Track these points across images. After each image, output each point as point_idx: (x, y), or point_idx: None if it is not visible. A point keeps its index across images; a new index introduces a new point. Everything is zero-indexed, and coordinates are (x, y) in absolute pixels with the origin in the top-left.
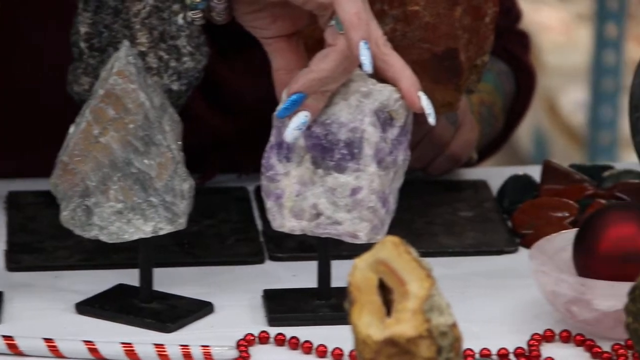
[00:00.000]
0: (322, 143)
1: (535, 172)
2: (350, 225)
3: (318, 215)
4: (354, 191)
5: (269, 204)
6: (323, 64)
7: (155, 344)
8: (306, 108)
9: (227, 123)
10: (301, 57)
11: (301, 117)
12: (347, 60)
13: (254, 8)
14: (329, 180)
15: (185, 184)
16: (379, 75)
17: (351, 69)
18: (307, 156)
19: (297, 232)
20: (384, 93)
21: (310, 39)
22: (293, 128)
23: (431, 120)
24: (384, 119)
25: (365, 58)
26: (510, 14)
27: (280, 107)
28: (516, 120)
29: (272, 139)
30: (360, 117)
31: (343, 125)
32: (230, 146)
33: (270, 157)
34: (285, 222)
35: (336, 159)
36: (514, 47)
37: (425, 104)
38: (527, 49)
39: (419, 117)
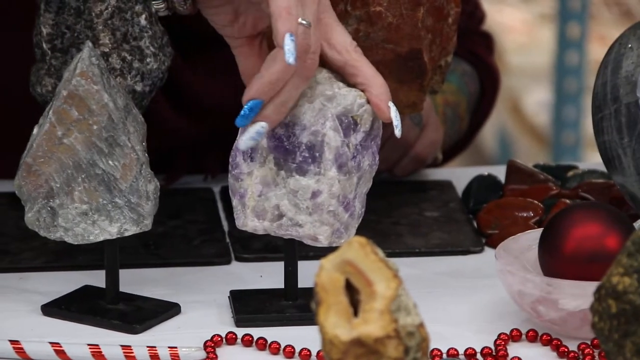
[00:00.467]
0: (285, 145)
1: (500, 172)
2: (311, 228)
3: (280, 216)
4: (315, 194)
5: (234, 202)
6: (272, 67)
7: (122, 346)
8: (265, 119)
9: (191, 126)
10: (264, 57)
11: (257, 127)
12: (298, 56)
13: (216, 3)
14: (291, 182)
15: (151, 185)
16: (349, 81)
17: (305, 70)
18: (270, 157)
19: (260, 232)
20: (348, 98)
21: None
22: (247, 138)
23: (397, 132)
24: (347, 124)
25: (289, 50)
26: (473, 16)
27: (239, 114)
28: (481, 121)
29: (239, 137)
30: (322, 120)
31: (305, 128)
32: (195, 148)
33: (236, 156)
34: (248, 221)
35: (298, 162)
36: (477, 49)
37: (394, 114)
38: (491, 50)
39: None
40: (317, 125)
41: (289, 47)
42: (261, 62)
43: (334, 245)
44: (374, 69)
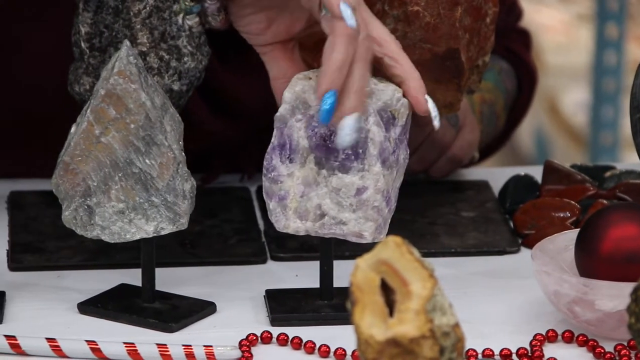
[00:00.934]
0: (327, 144)
1: (536, 172)
2: (356, 225)
3: (322, 215)
4: (359, 191)
5: (272, 205)
6: (332, 55)
7: (158, 344)
8: (353, 110)
9: (228, 127)
10: (297, 64)
11: (353, 119)
12: (353, 39)
13: (250, 11)
14: (334, 180)
15: (187, 184)
16: (386, 72)
17: (363, 52)
18: (310, 157)
19: (302, 233)
20: (386, 92)
21: (308, 40)
22: (347, 133)
23: (436, 123)
24: (387, 119)
25: (347, 15)
26: (511, 13)
27: (320, 111)
28: (518, 119)
29: (274, 140)
30: (364, 117)
31: None
32: (232, 148)
33: (272, 159)
34: (290, 223)
35: (340, 159)
36: (515, 46)
37: (432, 106)
38: (529, 47)
39: (420, 119)
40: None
41: (346, 12)
42: (293, 65)
43: (376, 240)
44: (410, 62)
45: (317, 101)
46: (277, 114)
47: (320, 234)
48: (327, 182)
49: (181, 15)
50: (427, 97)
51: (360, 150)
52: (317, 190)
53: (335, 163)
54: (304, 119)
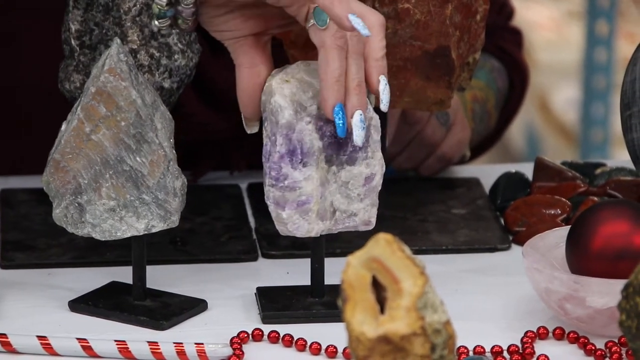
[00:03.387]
0: (338, 140)
1: (527, 169)
2: (365, 214)
3: (334, 212)
4: (368, 179)
5: (286, 213)
6: (327, 68)
7: (149, 342)
8: (356, 108)
9: (219, 120)
10: (266, 55)
11: (357, 118)
12: (343, 51)
13: (224, 11)
14: (343, 174)
15: (178, 182)
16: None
17: (357, 46)
18: (322, 156)
19: (320, 234)
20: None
21: (299, 38)
22: (360, 130)
23: (383, 107)
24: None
25: (360, 25)
26: (503, 11)
27: (336, 127)
28: (509, 117)
29: (280, 148)
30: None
31: None
32: (222, 143)
33: (282, 167)
34: (314, 226)
35: (349, 152)
36: (507, 44)
37: (382, 88)
38: (520, 45)
39: (409, 117)
40: None
41: (358, 24)
42: (261, 54)
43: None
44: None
45: (328, 116)
46: (283, 121)
47: (333, 231)
48: (337, 177)
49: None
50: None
51: (365, 139)
52: (329, 188)
53: (344, 157)
54: (312, 120)
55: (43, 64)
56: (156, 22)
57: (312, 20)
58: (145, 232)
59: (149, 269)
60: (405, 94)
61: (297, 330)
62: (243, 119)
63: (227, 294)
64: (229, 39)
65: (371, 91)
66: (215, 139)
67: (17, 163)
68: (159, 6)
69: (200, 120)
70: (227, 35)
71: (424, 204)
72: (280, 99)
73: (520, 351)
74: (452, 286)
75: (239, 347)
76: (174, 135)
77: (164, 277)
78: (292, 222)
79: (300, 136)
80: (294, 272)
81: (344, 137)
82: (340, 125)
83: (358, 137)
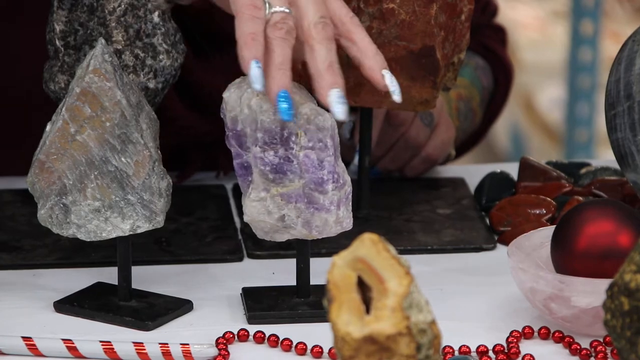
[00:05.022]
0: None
1: (512, 169)
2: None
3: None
4: None
5: (342, 210)
6: (273, 56)
7: (135, 342)
8: (333, 86)
9: (203, 123)
10: None
11: (335, 94)
12: (285, 41)
13: None
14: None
15: (163, 182)
16: (345, 52)
17: (318, 35)
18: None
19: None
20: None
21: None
22: (337, 104)
23: (396, 97)
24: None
25: (254, 76)
26: (487, 9)
27: (280, 111)
28: (494, 115)
29: (332, 151)
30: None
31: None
32: (208, 146)
33: (336, 168)
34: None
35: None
36: (491, 42)
37: (390, 81)
38: (504, 43)
39: (393, 119)
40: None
41: (254, 73)
42: None
43: None
44: (368, 38)
45: (272, 104)
46: (327, 123)
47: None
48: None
49: (157, 13)
50: (385, 72)
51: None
52: None
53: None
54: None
55: (27, 65)
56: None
57: None
58: (131, 233)
59: (135, 269)
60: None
61: (283, 330)
62: None
63: (212, 295)
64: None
65: (380, 88)
66: (201, 142)
67: (1, 164)
68: None
69: (184, 124)
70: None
71: (409, 204)
72: (313, 105)
73: (506, 351)
74: (437, 286)
75: (224, 347)
76: (159, 139)
77: (150, 278)
78: (346, 217)
79: (334, 132)
80: (279, 273)
81: (289, 120)
82: (283, 108)
83: (341, 111)
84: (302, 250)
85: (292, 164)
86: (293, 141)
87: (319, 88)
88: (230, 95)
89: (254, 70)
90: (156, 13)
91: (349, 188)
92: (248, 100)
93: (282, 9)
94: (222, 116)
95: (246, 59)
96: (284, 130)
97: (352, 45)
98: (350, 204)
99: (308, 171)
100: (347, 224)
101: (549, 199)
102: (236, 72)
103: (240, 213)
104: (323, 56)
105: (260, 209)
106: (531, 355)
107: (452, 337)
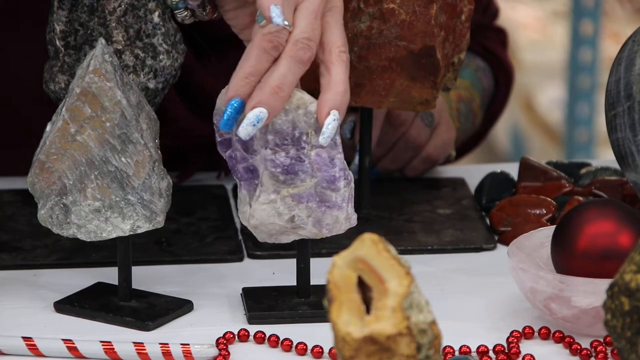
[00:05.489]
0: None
1: (512, 169)
2: None
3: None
4: None
5: (350, 206)
6: (245, 62)
7: (135, 343)
8: (260, 104)
9: (204, 124)
10: None
11: (255, 113)
12: (266, 53)
13: (233, 6)
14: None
15: (163, 182)
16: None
17: (297, 53)
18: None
19: None
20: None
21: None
22: (246, 124)
23: (321, 140)
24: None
25: (275, 14)
26: (487, 11)
27: (223, 114)
28: (495, 116)
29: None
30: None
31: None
32: (208, 146)
33: (338, 182)
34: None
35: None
36: (491, 44)
37: (328, 123)
38: (505, 45)
39: (394, 119)
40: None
41: (275, 12)
42: None
43: None
44: (344, 76)
45: (220, 103)
46: (218, 126)
47: None
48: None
49: (157, 14)
50: (333, 112)
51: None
52: None
53: None
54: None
55: (27, 66)
56: (179, 16)
57: (259, 19)
58: (131, 233)
59: (135, 269)
60: (391, 94)
61: (283, 330)
62: None
63: (213, 295)
64: (246, 39)
65: (318, 121)
66: (202, 143)
67: (1, 164)
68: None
69: (185, 125)
70: (243, 35)
71: (409, 204)
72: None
73: (506, 351)
74: (437, 286)
75: (224, 347)
76: (160, 140)
77: (150, 278)
78: (353, 213)
79: (338, 129)
80: (279, 273)
81: (225, 130)
82: (225, 118)
83: (243, 130)
84: (303, 251)
85: (304, 164)
86: (304, 141)
87: (250, 99)
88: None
89: (275, 10)
90: (156, 13)
91: (353, 184)
92: None
93: (282, 23)
94: (214, 121)
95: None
96: (295, 131)
97: (326, 75)
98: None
99: (320, 170)
100: (354, 220)
101: (549, 199)
102: None
103: None
104: (279, 72)
105: (270, 211)
106: (531, 356)
107: (452, 337)
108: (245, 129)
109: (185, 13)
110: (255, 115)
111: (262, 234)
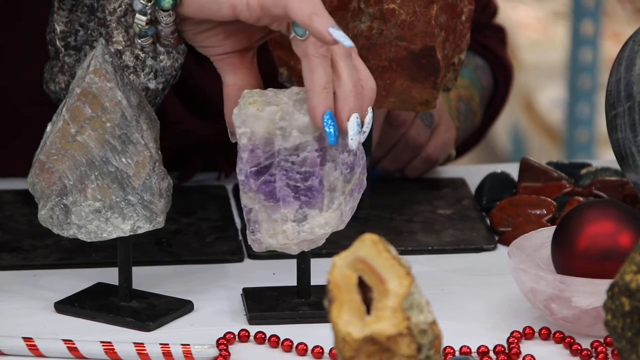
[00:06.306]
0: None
1: (513, 169)
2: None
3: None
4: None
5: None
6: (314, 75)
7: (135, 343)
8: (352, 111)
9: (204, 126)
10: (254, 73)
11: (354, 119)
12: (326, 59)
13: (205, 27)
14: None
15: (164, 183)
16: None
17: (342, 48)
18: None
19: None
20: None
21: (285, 39)
22: (353, 134)
23: (331, 140)
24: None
25: (341, 38)
26: (487, 9)
27: (327, 135)
28: (494, 115)
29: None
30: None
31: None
32: (208, 147)
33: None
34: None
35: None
36: (490, 42)
37: (337, 35)
38: (504, 43)
39: (394, 120)
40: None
41: (339, 36)
42: (250, 73)
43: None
44: (349, 69)
45: (317, 125)
46: (329, 141)
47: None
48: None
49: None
50: (331, 29)
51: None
52: None
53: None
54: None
55: (27, 66)
56: (139, 41)
57: (294, 31)
58: (131, 233)
59: (135, 270)
60: (391, 94)
61: (284, 330)
62: (230, 133)
63: (213, 295)
64: (213, 55)
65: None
66: (202, 145)
67: (1, 164)
68: (139, 25)
69: (185, 127)
70: (211, 51)
71: (409, 204)
72: (296, 134)
73: (507, 351)
74: (438, 286)
75: (225, 348)
76: (160, 141)
77: (150, 278)
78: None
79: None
80: (280, 273)
81: (335, 144)
82: (331, 132)
83: (353, 140)
84: (303, 251)
85: (357, 157)
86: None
87: (338, 112)
88: (258, 125)
89: (336, 33)
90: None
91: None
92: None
93: (351, 44)
94: (249, 148)
95: (323, 29)
96: None
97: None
98: None
99: (362, 157)
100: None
101: (549, 199)
102: None
103: (241, 213)
104: (345, 74)
105: (338, 214)
106: (532, 356)
107: (452, 338)
108: (354, 140)
109: (149, 41)
110: (355, 124)
111: (320, 240)
